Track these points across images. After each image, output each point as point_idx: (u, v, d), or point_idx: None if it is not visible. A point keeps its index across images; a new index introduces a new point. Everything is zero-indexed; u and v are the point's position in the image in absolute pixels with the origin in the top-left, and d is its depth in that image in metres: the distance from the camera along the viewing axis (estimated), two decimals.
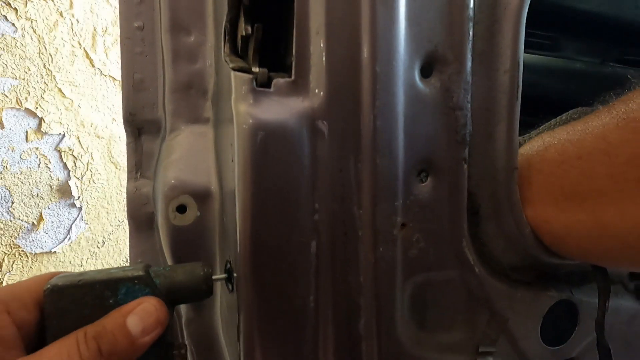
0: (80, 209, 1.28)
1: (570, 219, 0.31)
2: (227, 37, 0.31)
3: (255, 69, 0.28)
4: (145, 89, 0.37)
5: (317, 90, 0.28)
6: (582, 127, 0.32)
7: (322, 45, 0.27)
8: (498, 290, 0.34)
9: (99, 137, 1.29)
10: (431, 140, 0.31)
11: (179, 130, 0.36)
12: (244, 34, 0.29)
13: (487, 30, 0.32)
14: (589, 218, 0.30)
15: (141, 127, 0.37)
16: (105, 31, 1.30)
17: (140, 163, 0.37)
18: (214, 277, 0.32)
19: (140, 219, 0.38)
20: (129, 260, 0.39)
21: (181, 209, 0.35)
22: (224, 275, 0.33)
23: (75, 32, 1.30)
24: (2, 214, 1.20)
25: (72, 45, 1.30)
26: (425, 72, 0.31)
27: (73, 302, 0.28)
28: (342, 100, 0.28)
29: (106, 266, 1.32)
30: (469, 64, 0.31)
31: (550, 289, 0.35)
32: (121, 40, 0.37)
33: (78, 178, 1.27)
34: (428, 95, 0.30)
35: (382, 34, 0.28)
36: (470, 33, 0.31)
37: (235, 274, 0.32)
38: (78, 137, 1.27)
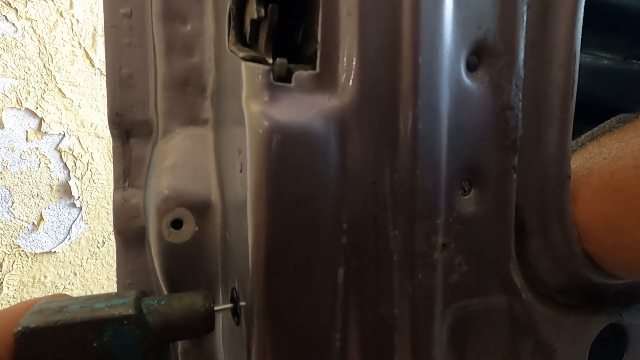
0: (80, 209, 1.19)
1: (628, 234, 0.25)
2: (232, 23, 0.24)
3: (270, 60, 0.20)
4: (134, 86, 0.29)
5: (347, 86, 0.21)
6: (634, 133, 0.26)
7: (354, 29, 0.20)
8: (545, 316, 0.27)
9: (99, 137, 1.20)
10: (477, 145, 0.24)
11: (174, 133, 0.28)
12: (255, 16, 0.21)
13: (539, 16, 0.25)
14: None
15: (129, 129, 0.29)
16: None
17: (129, 170, 0.30)
18: (217, 308, 0.25)
19: (129, 234, 0.30)
20: (116, 280, 0.31)
21: (176, 223, 0.28)
22: (229, 306, 0.26)
23: (75, 32, 1.21)
24: (2, 214, 1.10)
25: (72, 45, 1.21)
26: (472, 65, 0.23)
27: (49, 346, 0.22)
28: (376, 97, 0.21)
29: (106, 266, 1.24)
30: (521, 55, 0.24)
31: (599, 313, 0.29)
32: (105, 30, 0.29)
33: (78, 178, 1.17)
34: (475, 93, 0.23)
35: (426, 16, 0.21)
36: (524, 18, 0.24)
37: (243, 303, 0.25)
38: (78, 137, 1.18)
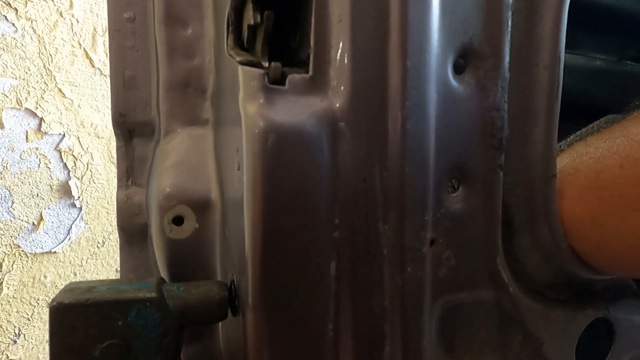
0: (80, 209, 1.21)
1: (613, 232, 0.26)
2: (230, 28, 0.25)
3: (266, 63, 0.22)
4: (137, 87, 0.30)
5: (338, 88, 0.22)
6: (620, 133, 0.27)
7: (345, 35, 0.22)
8: (533, 310, 0.29)
9: (99, 137, 1.22)
10: (464, 145, 0.25)
11: (175, 133, 0.30)
12: (251, 22, 0.23)
13: (525, 20, 0.26)
14: (636, 230, 0.25)
15: (132, 129, 0.31)
16: (105, 31, 1.23)
17: (132, 169, 0.31)
18: None
19: (132, 231, 0.32)
20: (119, 274, 0.33)
21: (178, 220, 0.30)
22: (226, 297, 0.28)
23: (75, 32, 1.23)
24: (2, 214, 1.13)
25: (72, 45, 1.23)
26: (459, 68, 0.25)
27: (79, 321, 0.24)
28: (367, 99, 0.23)
29: (106, 266, 1.26)
30: (507, 58, 0.26)
31: (586, 307, 0.30)
32: (109, 33, 0.31)
33: (78, 178, 1.19)
34: (462, 94, 0.25)
35: (414, 22, 0.22)
36: (509, 23, 0.25)
37: (239, 295, 0.26)
38: (78, 137, 1.20)
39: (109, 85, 0.30)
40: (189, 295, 0.26)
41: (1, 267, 1.14)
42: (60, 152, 1.18)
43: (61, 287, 1.31)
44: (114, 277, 1.26)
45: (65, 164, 1.18)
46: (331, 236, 0.24)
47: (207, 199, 0.30)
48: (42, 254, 1.18)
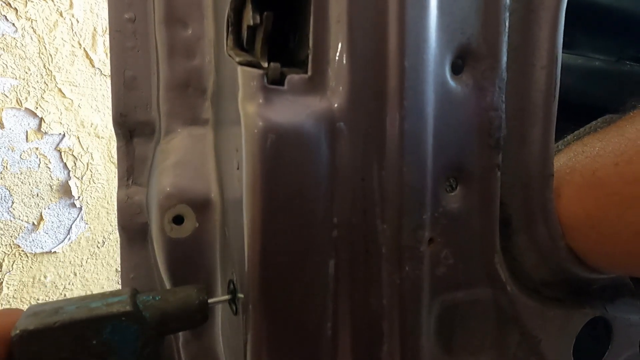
0: (80, 209, 1.21)
1: (609, 229, 0.27)
2: (230, 28, 0.26)
3: (265, 64, 0.22)
4: (138, 88, 0.31)
5: (337, 89, 0.23)
6: (616, 132, 0.28)
7: (343, 35, 0.22)
8: (530, 309, 0.29)
9: (99, 137, 1.23)
10: (462, 144, 0.26)
11: (175, 133, 0.30)
12: (251, 23, 0.23)
13: (522, 21, 0.26)
14: (632, 227, 0.25)
15: (133, 129, 0.31)
16: (105, 31, 1.24)
17: (132, 169, 0.32)
18: (215, 299, 0.27)
19: (133, 230, 0.32)
20: (119, 274, 0.33)
21: (178, 219, 0.30)
22: (227, 297, 0.28)
23: (75, 32, 1.24)
24: (2, 214, 1.13)
25: (72, 45, 1.23)
26: (456, 68, 0.25)
27: (49, 346, 0.23)
28: (365, 99, 0.23)
29: (106, 266, 1.26)
30: (504, 58, 0.26)
31: (584, 306, 0.30)
32: (110, 34, 0.31)
33: (78, 178, 1.20)
34: (459, 94, 0.25)
35: (411, 22, 0.23)
36: (506, 24, 0.26)
37: (240, 295, 0.27)
38: (78, 137, 1.21)
39: (109, 85, 0.30)
40: (166, 304, 0.25)
41: (1, 267, 1.14)
42: (60, 152, 1.18)
43: (61, 287, 1.30)
44: (114, 277, 1.26)
45: (65, 164, 1.18)
46: (330, 235, 0.24)
47: (207, 198, 0.30)
48: (42, 254, 1.18)
